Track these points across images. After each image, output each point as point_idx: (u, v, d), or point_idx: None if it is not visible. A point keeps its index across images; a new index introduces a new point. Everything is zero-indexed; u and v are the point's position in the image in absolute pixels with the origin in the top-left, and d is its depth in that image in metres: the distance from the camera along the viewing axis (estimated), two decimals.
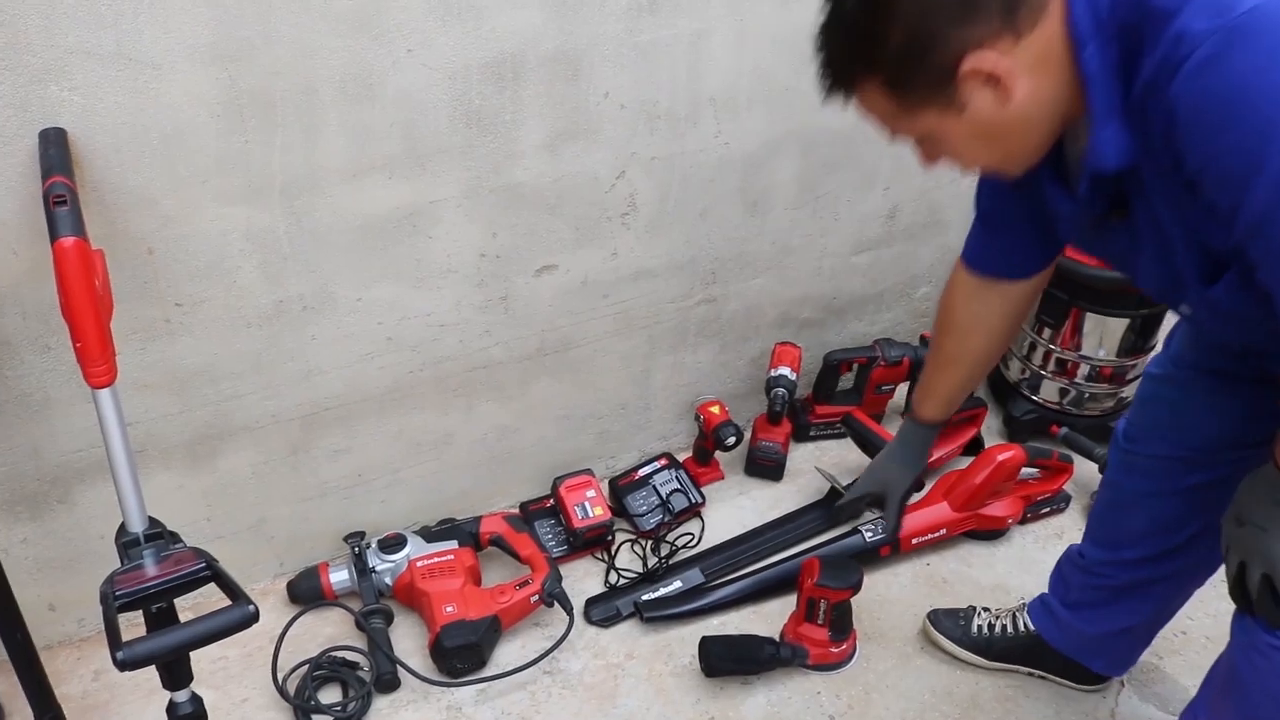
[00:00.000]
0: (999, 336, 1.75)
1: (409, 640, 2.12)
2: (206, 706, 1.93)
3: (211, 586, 1.46)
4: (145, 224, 1.71)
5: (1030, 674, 2.09)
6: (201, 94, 1.63)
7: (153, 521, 1.56)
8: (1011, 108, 1.17)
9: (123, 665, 1.32)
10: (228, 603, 1.40)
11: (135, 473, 1.53)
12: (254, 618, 1.38)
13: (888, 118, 1.26)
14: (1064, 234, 1.52)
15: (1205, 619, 2.16)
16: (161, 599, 1.47)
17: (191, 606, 1.54)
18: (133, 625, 1.42)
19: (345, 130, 1.77)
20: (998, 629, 2.10)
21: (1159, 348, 2.52)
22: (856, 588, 2.01)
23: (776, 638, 2.10)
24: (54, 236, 1.41)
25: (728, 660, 2.08)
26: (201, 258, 1.79)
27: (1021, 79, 1.14)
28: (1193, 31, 1.02)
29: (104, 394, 1.48)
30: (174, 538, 1.56)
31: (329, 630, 2.14)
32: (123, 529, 1.55)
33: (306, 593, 2.16)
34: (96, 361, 1.46)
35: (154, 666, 1.48)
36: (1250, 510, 1.34)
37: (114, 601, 1.40)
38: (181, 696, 1.56)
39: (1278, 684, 1.36)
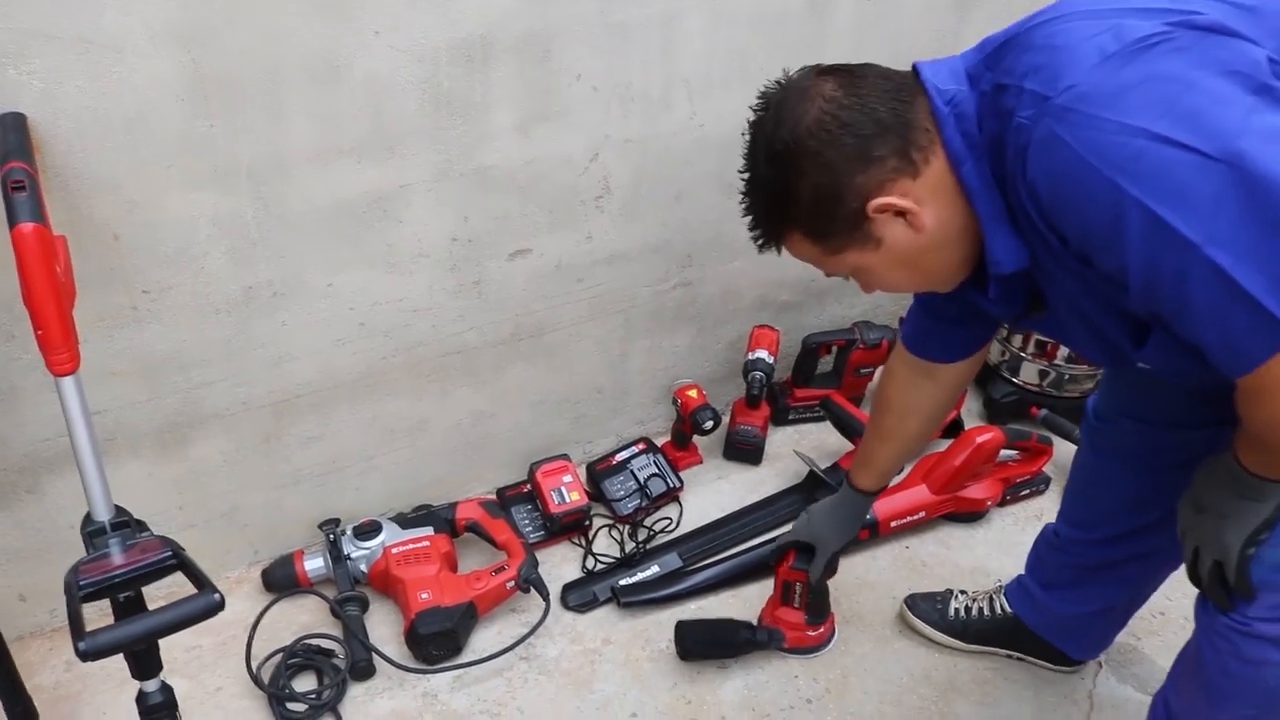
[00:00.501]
0: (933, 420, 1.82)
1: (385, 627, 2.11)
2: (180, 696, 1.91)
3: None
4: (110, 210, 1.69)
5: (1008, 656, 2.09)
6: (164, 77, 1.61)
7: (119, 510, 1.54)
8: (924, 235, 1.26)
9: (85, 655, 1.30)
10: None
11: (100, 461, 1.51)
12: (219, 606, 1.36)
13: (816, 260, 1.36)
14: (916, 345, 1.70)
15: (1183, 600, 2.14)
16: (128, 588, 1.45)
17: (166, 596, 1.52)
18: (105, 616, 1.41)
19: (312, 114, 1.75)
20: (974, 612, 2.09)
21: None
22: (831, 572, 2.00)
23: (754, 621, 2.09)
24: (12, 223, 1.38)
25: (703, 644, 2.07)
26: (168, 243, 1.77)
27: (926, 208, 1.25)
28: (1024, 120, 1.13)
29: (67, 382, 1.46)
30: (140, 526, 1.54)
31: (304, 618, 2.13)
32: (88, 518, 1.53)
33: (281, 580, 2.15)
34: (59, 349, 1.44)
35: (123, 657, 1.47)
36: (1209, 497, 1.36)
37: (78, 591, 1.38)
38: (151, 686, 1.54)
39: (1234, 665, 1.41)
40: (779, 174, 1.27)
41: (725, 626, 2.09)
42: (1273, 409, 1.14)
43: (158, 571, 1.45)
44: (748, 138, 1.32)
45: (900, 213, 1.24)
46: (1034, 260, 1.26)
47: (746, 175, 1.33)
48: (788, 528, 2.12)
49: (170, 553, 1.45)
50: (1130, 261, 1.10)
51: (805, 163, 1.23)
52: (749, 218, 1.36)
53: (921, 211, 1.24)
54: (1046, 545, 1.96)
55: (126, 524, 1.53)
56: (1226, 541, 1.33)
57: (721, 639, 2.08)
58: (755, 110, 1.31)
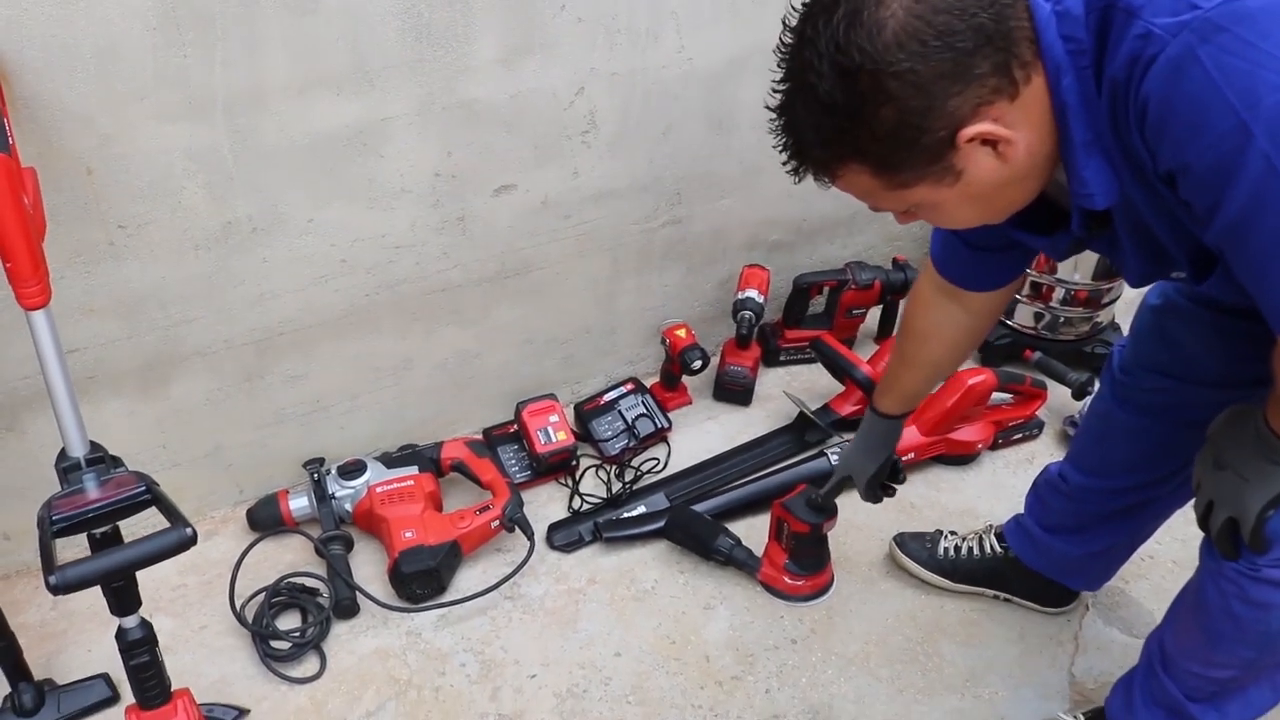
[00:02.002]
0: (958, 348, 1.73)
1: (369, 567, 2.11)
2: (165, 634, 1.93)
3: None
4: (82, 143, 1.66)
5: (995, 597, 2.08)
6: (135, 5, 1.58)
7: (94, 446, 1.54)
8: (1011, 166, 1.11)
9: (55, 589, 1.29)
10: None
11: (74, 396, 1.50)
12: (191, 541, 1.35)
13: (872, 193, 1.18)
14: (947, 268, 1.60)
15: (1173, 543, 2.15)
16: (102, 523, 1.45)
17: None
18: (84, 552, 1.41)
19: (288, 44, 1.72)
20: (964, 551, 2.09)
21: None
22: (814, 527, 1.99)
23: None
24: None
25: (684, 532, 2.12)
26: (143, 177, 1.74)
27: (1020, 133, 1.08)
28: (1160, 27, 0.98)
29: (38, 316, 1.45)
30: (116, 462, 1.54)
31: (289, 557, 2.12)
32: (63, 454, 1.53)
33: (266, 520, 2.14)
34: (28, 282, 1.42)
35: (102, 593, 1.46)
36: (1233, 457, 1.32)
37: (51, 526, 1.38)
38: (130, 622, 1.53)
39: (1239, 607, 1.38)
40: (850, 94, 1.05)
41: (712, 529, 2.11)
42: None
43: (132, 506, 1.44)
44: (792, 39, 1.10)
45: (990, 141, 1.08)
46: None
47: (792, 89, 1.12)
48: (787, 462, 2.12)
49: (144, 487, 1.44)
50: (1228, 206, 1.02)
51: (892, 83, 1.03)
52: (788, 141, 1.16)
53: (1015, 140, 1.08)
54: (1050, 489, 1.92)
55: (101, 460, 1.53)
56: (1247, 504, 1.29)
57: (701, 536, 2.10)
58: (810, 5, 1.09)
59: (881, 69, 1.02)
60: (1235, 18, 0.95)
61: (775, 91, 1.13)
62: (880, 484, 1.93)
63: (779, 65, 1.12)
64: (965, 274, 1.60)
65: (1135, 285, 1.39)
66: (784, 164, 1.17)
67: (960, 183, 1.12)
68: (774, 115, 1.15)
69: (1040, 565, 1.99)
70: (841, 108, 1.06)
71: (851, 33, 1.02)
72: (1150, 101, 1.01)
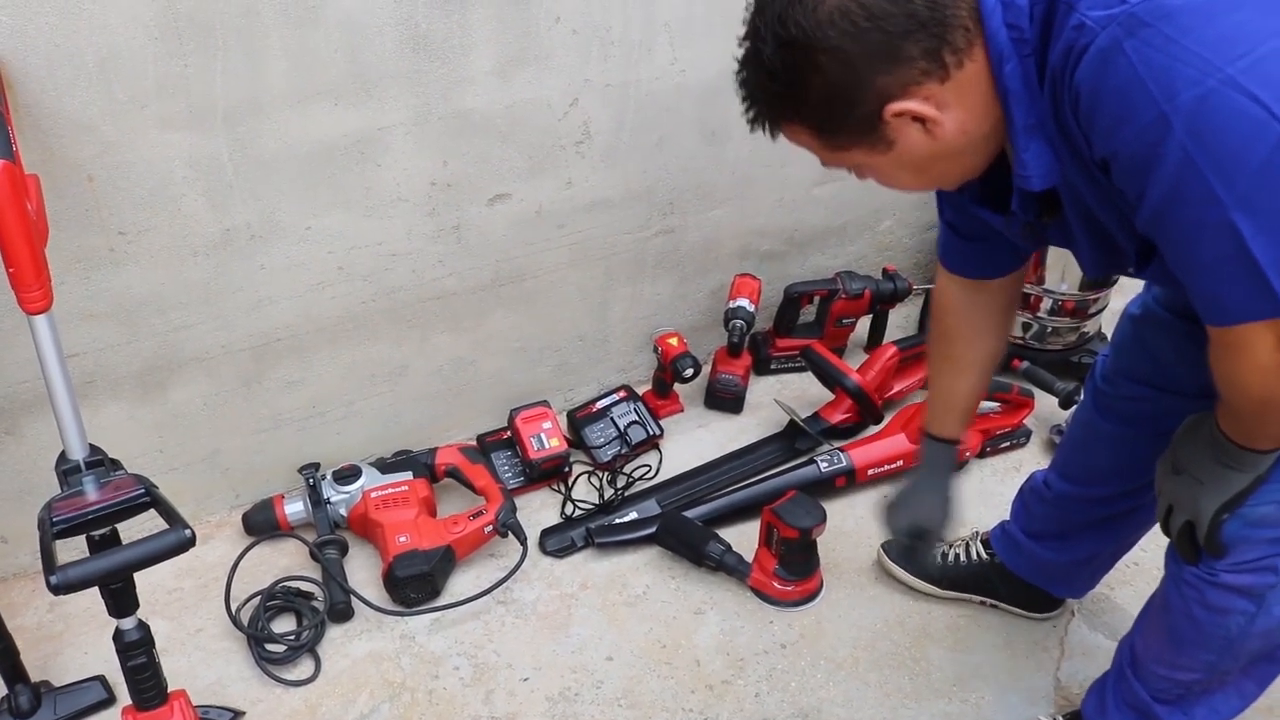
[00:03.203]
0: (990, 339, 1.69)
1: (364, 571, 2.13)
2: (161, 637, 1.93)
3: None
4: (84, 150, 1.68)
5: (982, 603, 2.10)
6: (138, 15, 1.60)
7: (94, 449, 1.55)
8: (941, 143, 1.16)
9: (56, 589, 1.31)
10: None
11: (74, 400, 1.51)
12: (190, 542, 1.37)
13: (816, 151, 1.25)
14: (956, 264, 1.59)
15: (1156, 551, 2.12)
16: (101, 525, 1.47)
17: None
18: (83, 554, 1.43)
19: (288, 55, 1.74)
20: (950, 558, 2.11)
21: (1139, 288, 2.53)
22: (803, 533, 2.01)
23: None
24: None
25: (675, 537, 2.13)
26: (144, 185, 1.76)
27: (949, 114, 1.14)
28: (1091, 19, 1.03)
29: (40, 320, 1.46)
30: (115, 465, 1.55)
31: (284, 561, 2.14)
32: (63, 456, 1.54)
33: (261, 524, 2.16)
34: (31, 287, 1.44)
35: (100, 594, 1.48)
36: (1189, 461, 1.36)
37: (51, 527, 1.40)
38: (128, 624, 1.55)
39: (1199, 611, 1.43)
40: (787, 64, 1.12)
41: (703, 534, 2.13)
42: (1234, 366, 1.15)
43: (131, 508, 1.46)
44: (752, 4, 1.16)
45: (919, 118, 1.13)
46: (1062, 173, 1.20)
47: (747, 50, 1.17)
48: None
49: (143, 490, 1.46)
50: (1150, 195, 1.07)
51: (821, 57, 1.09)
52: (744, 95, 1.21)
53: (943, 119, 1.13)
54: (1035, 496, 1.95)
55: (101, 463, 1.54)
56: (1201, 507, 1.33)
57: (692, 542, 2.13)
58: None
59: (814, 44, 1.09)
60: (1159, 14, 0.99)
61: (739, 47, 1.19)
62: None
63: (743, 24, 1.17)
64: (968, 265, 1.61)
65: (1091, 276, 1.42)
66: (744, 115, 1.23)
67: (893, 152, 1.18)
68: (737, 69, 1.20)
69: (1025, 572, 2.02)
70: (780, 74, 1.13)
71: (792, 8, 1.09)
72: (1081, 91, 1.06)
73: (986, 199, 1.32)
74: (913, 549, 1.74)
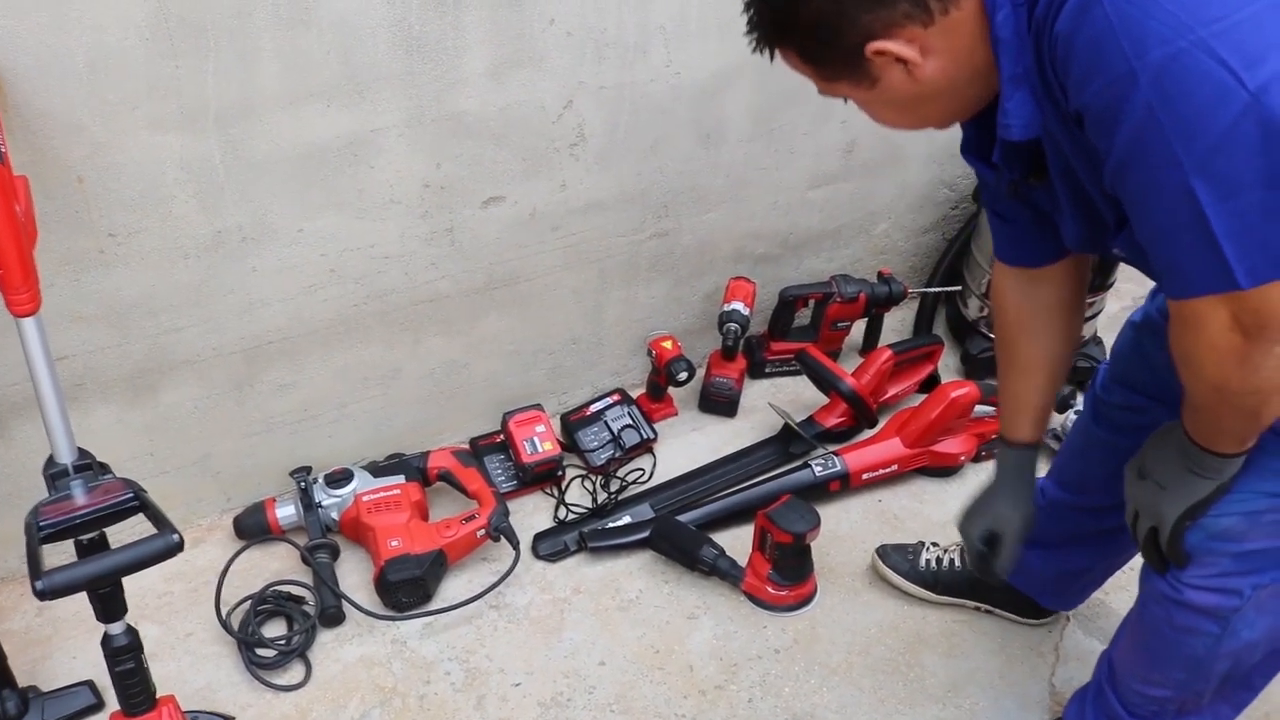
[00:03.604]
0: (1059, 331, 1.59)
1: (355, 575, 2.12)
2: (151, 641, 1.95)
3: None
4: (74, 151, 1.67)
5: (977, 608, 2.10)
6: (128, 16, 1.59)
7: (82, 453, 1.54)
8: (922, 86, 1.18)
9: (42, 594, 1.30)
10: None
11: (63, 403, 1.50)
12: (178, 547, 1.37)
13: (811, 78, 1.27)
14: (989, 201, 1.53)
15: None
16: (89, 529, 1.46)
17: None
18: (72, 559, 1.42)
19: (280, 56, 1.73)
20: (945, 563, 2.10)
21: (1116, 283, 2.52)
22: (797, 537, 2.00)
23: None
24: None
25: (668, 542, 2.13)
26: (134, 187, 1.75)
27: (932, 58, 1.15)
28: None
29: (28, 323, 1.46)
30: (103, 469, 1.54)
31: (275, 565, 2.13)
32: (50, 460, 1.53)
33: (252, 528, 2.15)
34: (18, 289, 1.43)
35: (88, 599, 1.47)
36: (1154, 466, 1.37)
37: (38, 532, 1.39)
38: (116, 629, 1.54)
39: (1167, 630, 1.46)
40: None
41: (696, 539, 2.12)
42: (1189, 345, 1.15)
43: (119, 513, 1.45)
44: None
45: (900, 59, 1.15)
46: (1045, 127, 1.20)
47: None
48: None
49: (132, 494, 1.45)
50: (1114, 150, 1.07)
51: None
52: (746, 15, 1.24)
53: (923, 63, 1.15)
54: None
55: (89, 466, 1.53)
56: (1163, 512, 1.34)
57: (685, 547, 2.12)
58: None
59: None
60: None
61: None
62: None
63: None
64: (1013, 250, 1.56)
65: (1073, 248, 1.40)
66: (746, 37, 1.26)
67: (877, 89, 1.21)
68: None
69: (1013, 578, 2.00)
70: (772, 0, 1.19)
71: None
72: (1059, 41, 1.07)
73: (983, 150, 1.31)
74: (985, 557, 1.70)
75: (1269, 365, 1.08)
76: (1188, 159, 1.01)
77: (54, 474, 1.52)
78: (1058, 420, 2.51)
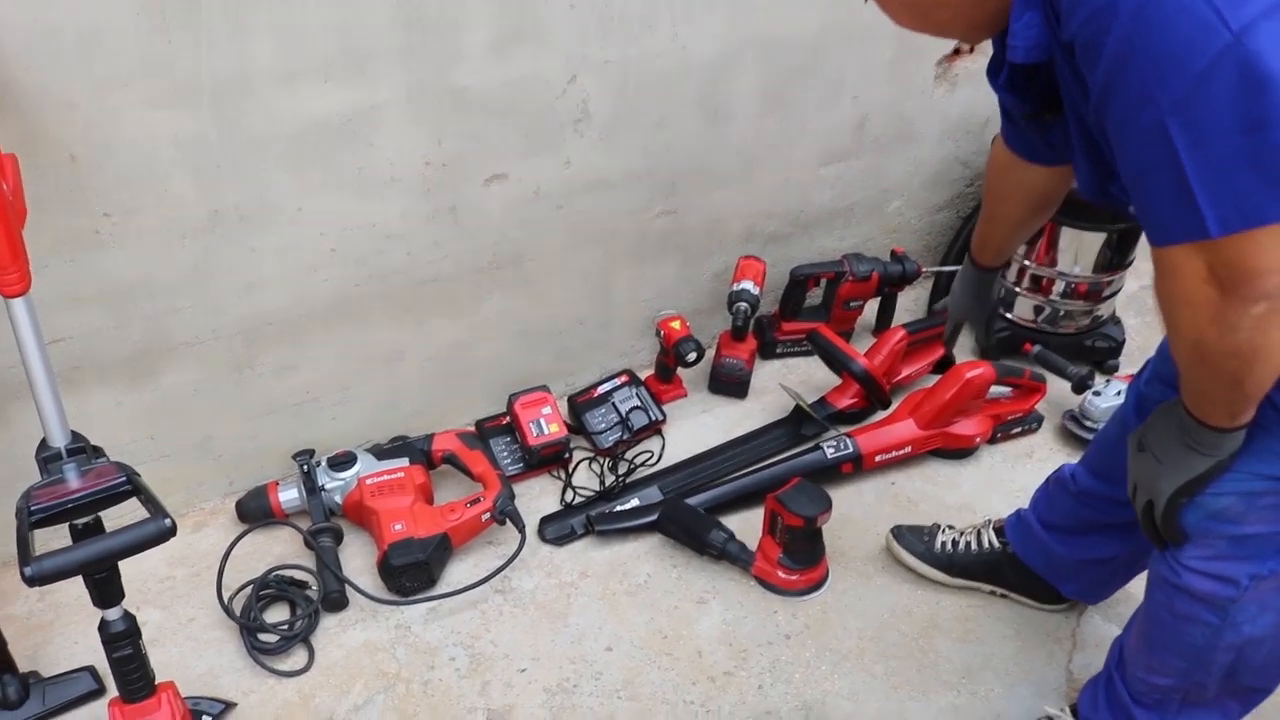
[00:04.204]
0: (1034, 209, 1.71)
1: (359, 559, 2.09)
2: (152, 626, 1.94)
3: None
4: (66, 129, 1.64)
5: (992, 592, 2.06)
6: None
7: (75, 436, 1.52)
8: None
9: (31, 580, 1.28)
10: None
11: (55, 385, 1.48)
12: (170, 532, 1.35)
13: None
14: (1007, 136, 1.57)
15: None
16: (82, 514, 1.44)
17: None
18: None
19: (275, 30, 1.70)
20: (961, 546, 2.06)
21: (1135, 261, 2.48)
22: (808, 521, 1.97)
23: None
24: None
25: (677, 525, 2.10)
26: (129, 165, 1.72)
27: None
28: None
29: (18, 303, 1.43)
30: (97, 452, 1.52)
31: (278, 549, 2.11)
32: (43, 444, 1.51)
33: (255, 511, 2.13)
34: (7, 269, 1.41)
35: (84, 584, 1.45)
36: (1154, 440, 1.34)
37: (29, 516, 1.37)
38: (113, 614, 1.52)
39: (1167, 617, 1.46)
40: None
41: (706, 522, 2.09)
42: (1168, 298, 1.13)
43: (112, 497, 1.43)
44: None
45: None
46: (1053, 54, 1.18)
47: None
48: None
49: (124, 478, 1.43)
50: (1096, 80, 1.05)
51: None
52: None
53: None
54: (1059, 487, 1.89)
55: (82, 450, 1.51)
56: (1159, 487, 1.33)
57: (694, 530, 2.09)
58: None
59: None
60: None
61: None
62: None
63: None
64: (1019, 146, 1.60)
65: (1085, 195, 1.39)
66: None
67: None
68: None
69: (1035, 563, 1.97)
70: None
71: None
72: None
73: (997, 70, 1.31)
74: (951, 339, 2.03)
75: (1245, 326, 1.06)
76: (1164, 98, 0.99)
77: (47, 458, 1.50)
78: (1075, 401, 2.48)
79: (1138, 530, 1.74)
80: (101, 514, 1.46)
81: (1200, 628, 1.41)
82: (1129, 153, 1.08)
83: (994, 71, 1.33)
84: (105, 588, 1.48)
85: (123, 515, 1.47)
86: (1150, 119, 1.01)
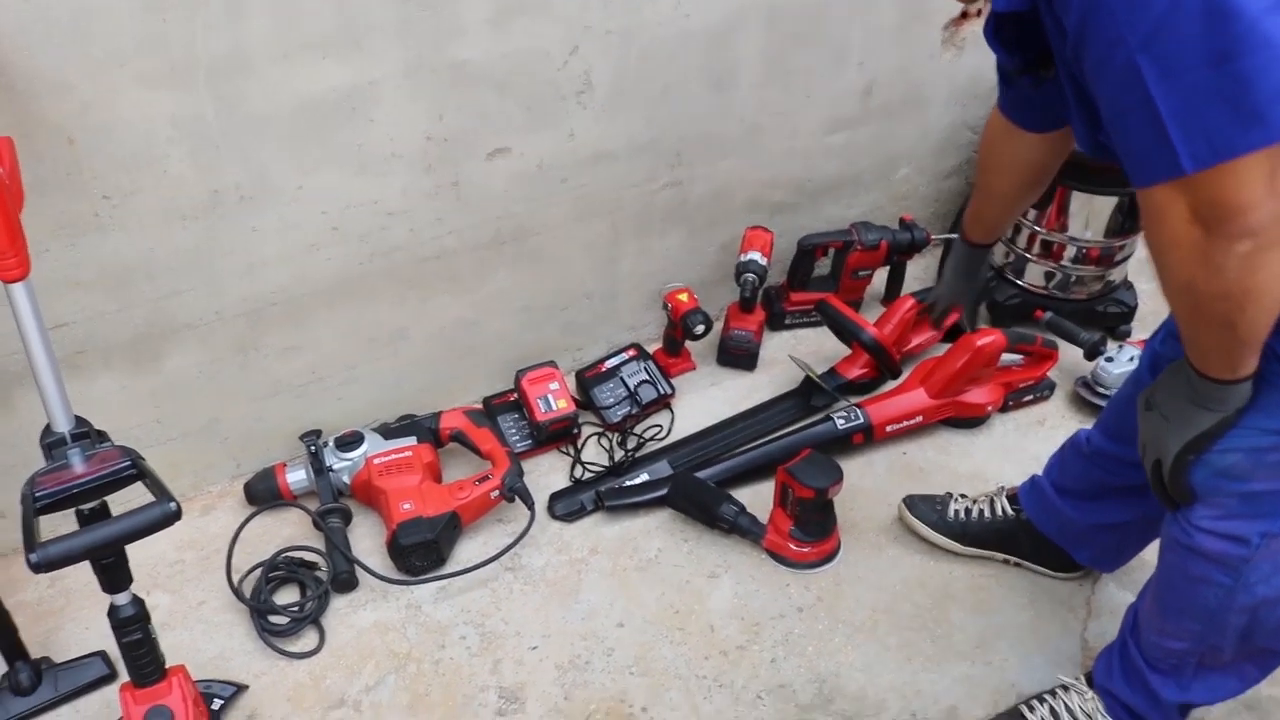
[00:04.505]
0: (1026, 183, 1.74)
1: (368, 539, 2.09)
2: (163, 610, 1.94)
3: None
4: (62, 111, 1.62)
5: (1005, 561, 2.05)
6: None
7: (79, 421, 1.51)
8: None
9: (36, 567, 1.27)
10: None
11: (57, 370, 1.47)
12: (175, 515, 1.33)
13: None
14: (1003, 103, 1.60)
15: None
16: (88, 499, 1.43)
17: None
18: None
19: (271, 5, 1.67)
20: (975, 514, 2.05)
21: None
22: (819, 492, 1.95)
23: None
24: None
25: (687, 499, 2.10)
26: (127, 146, 1.70)
27: None
28: None
29: (17, 288, 1.41)
30: (101, 436, 1.51)
31: (287, 531, 2.10)
32: (47, 429, 1.50)
33: (263, 493, 2.12)
34: (6, 254, 1.39)
35: (92, 570, 1.45)
36: (1162, 398, 1.34)
37: (34, 503, 1.36)
38: (122, 599, 1.52)
39: (1180, 580, 1.46)
40: None
41: (716, 496, 2.08)
42: (1156, 243, 1.14)
43: (117, 481, 1.42)
44: None
45: None
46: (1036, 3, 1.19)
47: None
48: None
49: (129, 462, 1.42)
50: (1071, 24, 1.06)
51: None
52: None
53: None
54: (1074, 451, 1.88)
55: (87, 434, 1.50)
56: (1166, 444, 1.33)
57: (705, 503, 2.08)
58: None
59: None
60: None
61: None
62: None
63: None
64: (1015, 111, 1.62)
65: (1082, 147, 1.39)
66: None
67: None
68: None
69: (1048, 528, 1.95)
70: None
71: None
72: None
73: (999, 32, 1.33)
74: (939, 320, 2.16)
75: (1231, 265, 1.06)
76: (1132, 37, 0.99)
77: (51, 443, 1.48)
78: (1088, 368, 2.46)
79: (1150, 494, 1.73)
80: (111, 498, 1.45)
81: (1213, 589, 1.41)
82: (1106, 95, 1.09)
83: (988, 28, 1.34)
84: (113, 572, 1.47)
85: (130, 499, 1.46)
86: (1122, 59, 1.01)
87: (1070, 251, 2.54)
